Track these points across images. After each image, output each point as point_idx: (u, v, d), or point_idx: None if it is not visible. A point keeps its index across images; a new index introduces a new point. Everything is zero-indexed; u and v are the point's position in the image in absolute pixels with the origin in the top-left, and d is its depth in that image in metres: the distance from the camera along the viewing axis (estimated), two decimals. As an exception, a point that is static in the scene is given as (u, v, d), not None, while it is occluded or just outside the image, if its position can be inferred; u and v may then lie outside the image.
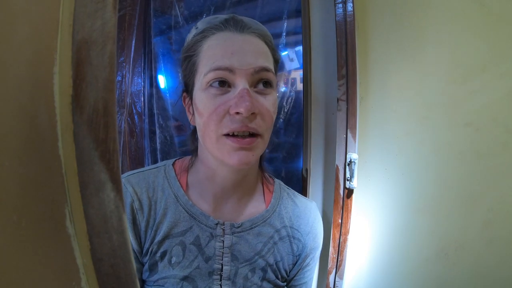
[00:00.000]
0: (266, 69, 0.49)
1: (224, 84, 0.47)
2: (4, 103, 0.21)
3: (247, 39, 0.49)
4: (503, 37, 0.66)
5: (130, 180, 0.55)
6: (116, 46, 0.24)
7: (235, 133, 0.47)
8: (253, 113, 0.46)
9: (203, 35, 0.50)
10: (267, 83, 0.50)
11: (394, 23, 0.71)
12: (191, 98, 0.52)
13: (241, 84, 0.47)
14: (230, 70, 0.46)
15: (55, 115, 0.23)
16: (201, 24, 0.52)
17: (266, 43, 0.51)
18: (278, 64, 0.55)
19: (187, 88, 0.54)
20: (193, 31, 0.53)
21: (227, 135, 0.47)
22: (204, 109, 0.48)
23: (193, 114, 0.53)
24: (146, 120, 1.12)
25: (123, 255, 0.25)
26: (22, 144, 0.22)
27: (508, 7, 0.66)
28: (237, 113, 0.45)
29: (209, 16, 1.07)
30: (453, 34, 0.69)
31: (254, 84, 0.49)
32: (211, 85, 0.47)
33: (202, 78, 0.48)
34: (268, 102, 0.49)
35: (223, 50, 0.47)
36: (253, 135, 0.48)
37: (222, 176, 0.54)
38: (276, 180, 0.65)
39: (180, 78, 0.56)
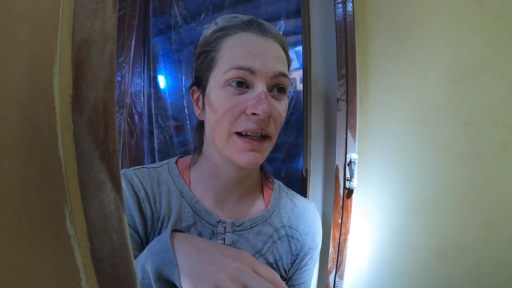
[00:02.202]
0: (284, 75, 0.50)
1: (242, 85, 0.48)
2: (4, 103, 0.21)
3: (269, 43, 0.50)
4: (503, 37, 0.66)
5: (136, 173, 0.55)
6: (116, 46, 0.24)
7: (248, 133, 0.48)
8: (268, 116, 0.47)
9: (225, 32, 0.50)
10: (282, 89, 0.51)
11: (394, 23, 0.71)
12: (203, 93, 0.53)
13: (260, 86, 0.47)
14: (251, 71, 0.47)
15: (55, 115, 0.23)
16: (221, 21, 0.53)
17: (284, 49, 0.53)
18: (289, 68, 0.57)
19: (199, 82, 0.54)
20: (213, 27, 0.53)
21: (239, 134, 0.48)
22: (220, 106, 0.48)
23: (202, 108, 0.53)
24: (146, 120, 1.12)
25: (123, 255, 0.25)
26: (22, 144, 0.21)
27: (508, 7, 0.66)
28: (254, 114, 0.46)
29: (207, 15, 1.08)
30: (453, 34, 0.69)
31: (270, 88, 0.50)
32: (229, 84, 0.48)
33: (221, 75, 0.48)
34: (281, 107, 0.51)
35: (246, 50, 0.48)
36: (264, 137, 0.49)
37: (226, 173, 0.54)
38: (275, 180, 0.65)
39: (191, 71, 0.56)
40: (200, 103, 0.54)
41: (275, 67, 0.48)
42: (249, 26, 0.50)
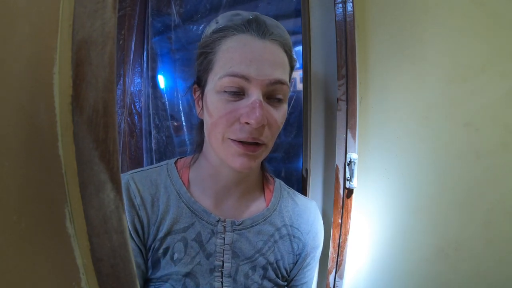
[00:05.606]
0: (282, 82, 0.48)
1: (237, 93, 0.47)
2: (4, 103, 0.21)
3: (268, 47, 0.48)
4: (503, 37, 0.66)
5: (134, 177, 0.55)
6: (116, 46, 0.24)
7: (242, 140, 0.47)
8: (262, 125, 0.47)
9: (223, 34, 0.49)
10: (280, 97, 0.49)
11: (394, 23, 0.71)
12: (202, 93, 0.52)
13: (255, 94, 0.46)
14: (246, 78, 0.46)
15: (55, 115, 0.23)
16: (222, 19, 0.51)
17: (285, 51, 0.51)
18: (293, 70, 0.55)
19: (199, 82, 0.53)
20: (213, 25, 0.52)
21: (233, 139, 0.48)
22: (215, 111, 0.48)
23: (202, 108, 0.53)
24: (146, 120, 1.12)
25: (123, 255, 0.25)
26: (22, 144, 0.21)
27: (508, 7, 0.66)
28: (247, 123, 0.46)
29: (208, 15, 1.07)
30: (453, 34, 0.69)
31: (267, 95, 0.48)
32: (224, 90, 0.47)
33: (217, 80, 0.47)
34: (279, 114, 0.50)
35: (242, 56, 0.46)
36: (258, 144, 0.49)
37: (224, 174, 0.54)
38: (276, 179, 0.65)
39: (194, 69, 0.55)
40: (200, 103, 0.54)
41: (272, 74, 0.47)
42: (248, 27, 0.48)
